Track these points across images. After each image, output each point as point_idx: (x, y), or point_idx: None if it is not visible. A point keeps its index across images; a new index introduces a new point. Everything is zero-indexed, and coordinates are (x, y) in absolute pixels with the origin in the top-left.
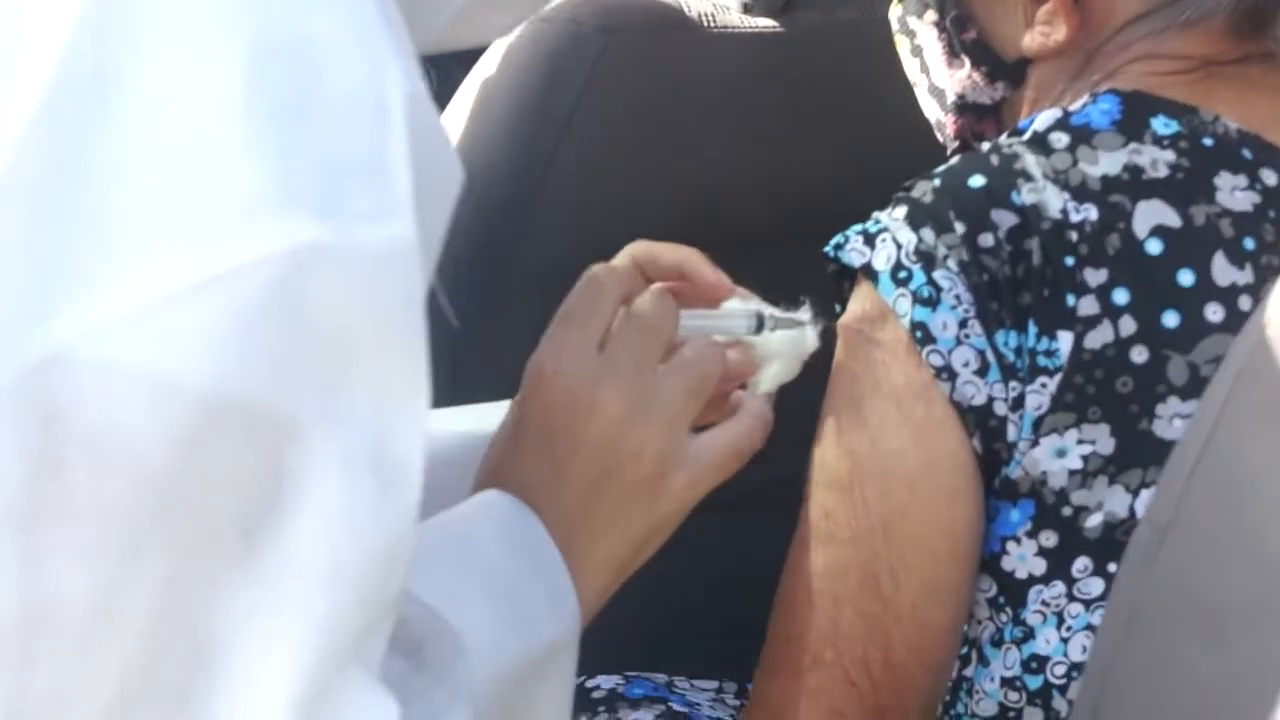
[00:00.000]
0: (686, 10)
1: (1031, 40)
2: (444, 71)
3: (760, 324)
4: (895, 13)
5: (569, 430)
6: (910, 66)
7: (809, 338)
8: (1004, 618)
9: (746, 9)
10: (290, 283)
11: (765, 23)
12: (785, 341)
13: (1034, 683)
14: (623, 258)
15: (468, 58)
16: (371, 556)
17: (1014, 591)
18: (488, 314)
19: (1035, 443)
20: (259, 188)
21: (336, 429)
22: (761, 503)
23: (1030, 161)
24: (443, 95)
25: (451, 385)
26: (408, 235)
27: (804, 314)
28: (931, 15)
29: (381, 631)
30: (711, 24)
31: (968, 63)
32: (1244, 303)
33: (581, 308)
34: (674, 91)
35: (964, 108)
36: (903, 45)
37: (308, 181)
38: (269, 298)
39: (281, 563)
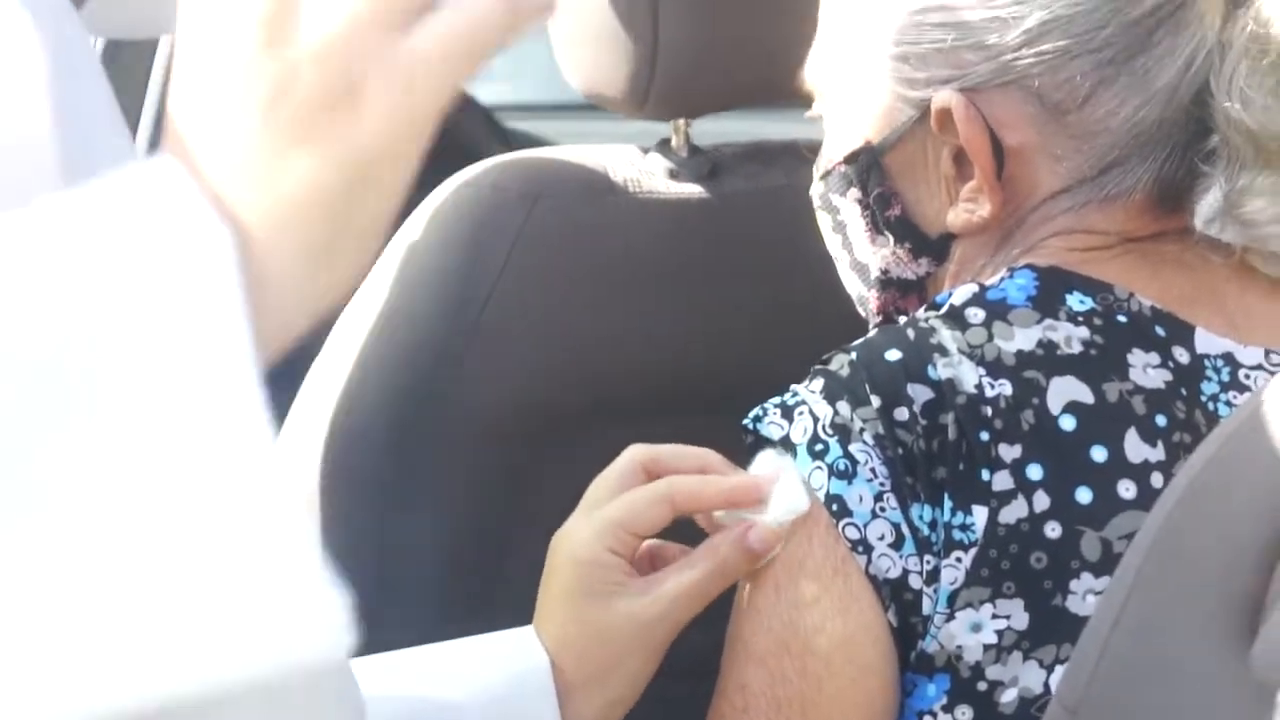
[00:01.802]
0: (612, 175)
1: (956, 217)
2: None
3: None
4: (817, 189)
5: None
6: (832, 242)
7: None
8: None
9: (673, 175)
10: None
11: (691, 188)
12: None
13: None
14: (624, 461)
15: None
16: None
17: None
18: (420, 473)
19: (951, 617)
20: None
21: None
22: None
23: (946, 336)
24: None
25: (380, 548)
26: None
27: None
28: (855, 193)
29: None
30: (637, 189)
31: (891, 239)
32: (1156, 479)
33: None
34: (599, 256)
35: (887, 283)
36: (825, 221)
37: None
38: None
39: None
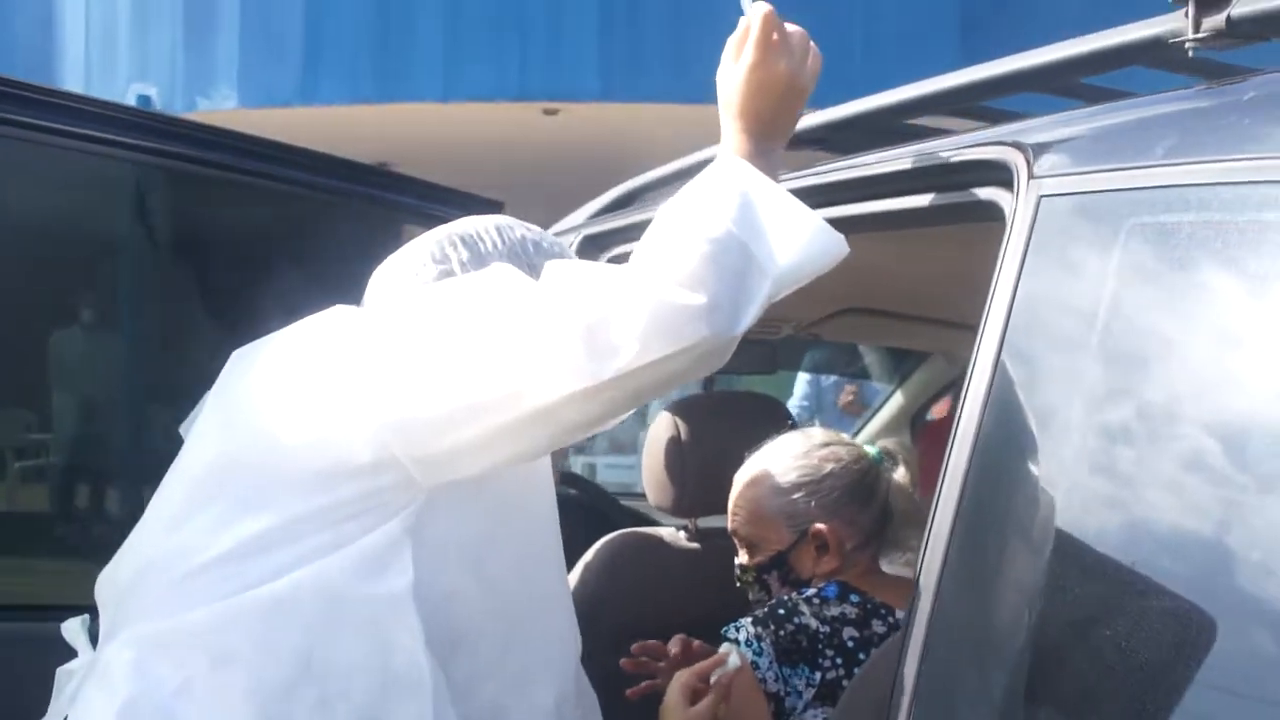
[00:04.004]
0: (665, 537)
1: (817, 570)
2: None
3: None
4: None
5: None
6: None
7: None
8: None
9: (689, 538)
10: None
11: (696, 544)
12: None
13: None
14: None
15: None
16: None
17: None
18: None
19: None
20: None
21: None
22: None
23: (800, 603)
24: None
25: None
26: None
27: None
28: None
29: None
30: (674, 541)
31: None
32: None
33: None
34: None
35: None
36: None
37: None
38: None
39: None
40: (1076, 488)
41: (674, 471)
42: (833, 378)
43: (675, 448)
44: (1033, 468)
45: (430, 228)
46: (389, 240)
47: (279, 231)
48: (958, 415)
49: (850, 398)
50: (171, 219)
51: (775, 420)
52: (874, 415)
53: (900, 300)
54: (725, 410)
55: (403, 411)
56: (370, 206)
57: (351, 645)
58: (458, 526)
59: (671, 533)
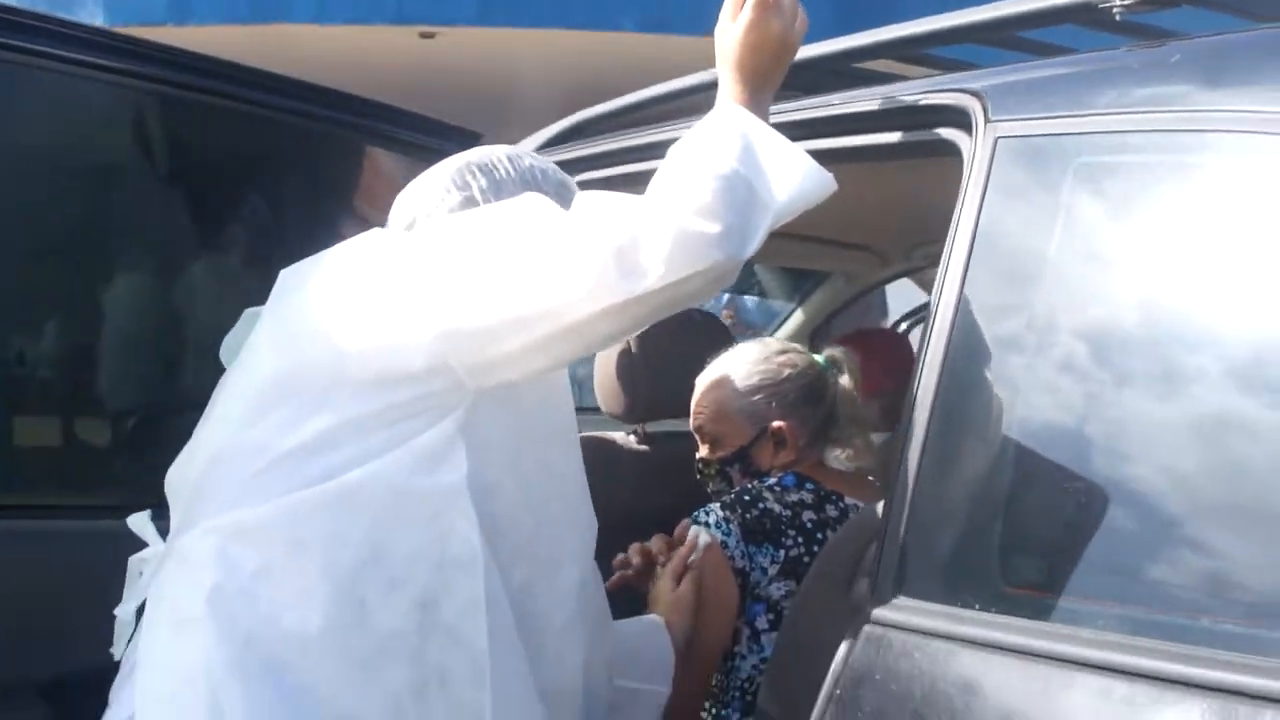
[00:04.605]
0: (617, 440)
1: (775, 462)
2: None
3: None
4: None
5: None
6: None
7: None
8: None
9: (639, 441)
10: None
11: (645, 447)
12: None
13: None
14: None
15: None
16: None
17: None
18: None
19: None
20: None
21: None
22: None
23: (764, 490)
24: None
25: None
26: None
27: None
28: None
29: None
30: (626, 444)
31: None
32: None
33: None
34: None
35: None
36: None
37: None
38: None
39: None
40: (1025, 390)
41: (625, 382)
42: (725, 296)
43: (626, 360)
44: (989, 375)
45: (406, 154)
46: (355, 165)
47: (245, 154)
48: (928, 328)
49: (730, 319)
50: (131, 141)
51: (716, 335)
52: (777, 329)
53: (806, 224)
54: (671, 326)
55: (455, 323)
56: (342, 131)
57: (413, 534)
58: (499, 427)
59: (623, 437)
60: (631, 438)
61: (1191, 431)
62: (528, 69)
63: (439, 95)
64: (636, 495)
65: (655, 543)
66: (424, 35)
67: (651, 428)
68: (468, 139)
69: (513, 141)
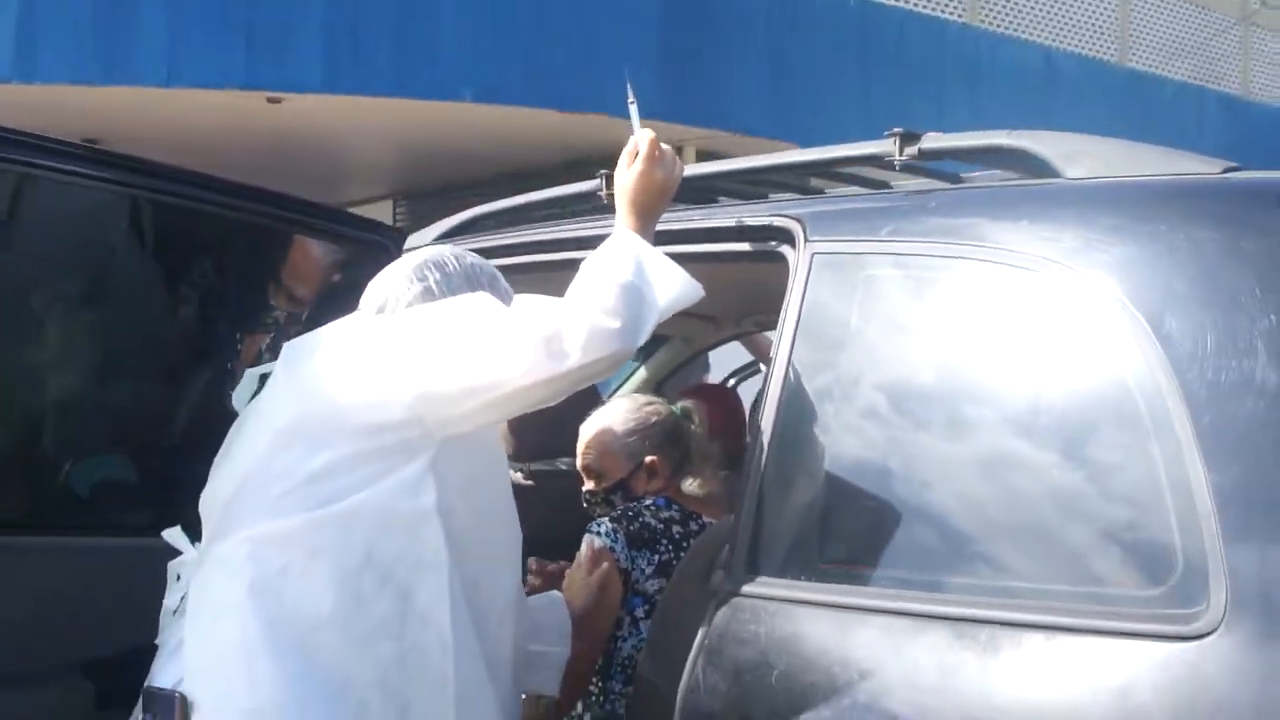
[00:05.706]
0: None
1: (648, 489)
2: None
3: None
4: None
5: None
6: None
7: None
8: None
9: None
10: None
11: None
12: None
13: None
14: None
15: None
16: None
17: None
18: None
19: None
20: None
21: None
22: None
23: (643, 509)
24: None
25: None
26: None
27: None
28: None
29: None
30: None
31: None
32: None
33: None
34: None
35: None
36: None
37: None
38: None
39: None
40: (834, 429)
41: (515, 429)
42: None
43: None
44: (813, 420)
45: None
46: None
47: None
48: (766, 385)
49: None
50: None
51: (584, 393)
52: (621, 385)
53: None
54: None
55: (427, 388)
56: (278, 225)
57: (397, 543)
58: (457, 465)
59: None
60: (519, 474)
61: (944, 456)
62: (371, 133)
63: (285, 156)
64: (525, 522)
65: (531, 563)
66: (271, 100)
67: (535, 466)
68: (383, 231)
69: (353, 199)
